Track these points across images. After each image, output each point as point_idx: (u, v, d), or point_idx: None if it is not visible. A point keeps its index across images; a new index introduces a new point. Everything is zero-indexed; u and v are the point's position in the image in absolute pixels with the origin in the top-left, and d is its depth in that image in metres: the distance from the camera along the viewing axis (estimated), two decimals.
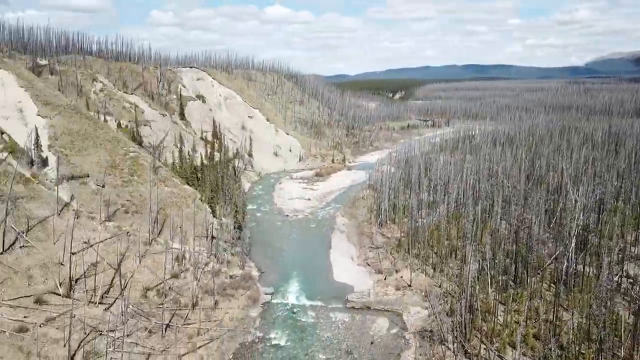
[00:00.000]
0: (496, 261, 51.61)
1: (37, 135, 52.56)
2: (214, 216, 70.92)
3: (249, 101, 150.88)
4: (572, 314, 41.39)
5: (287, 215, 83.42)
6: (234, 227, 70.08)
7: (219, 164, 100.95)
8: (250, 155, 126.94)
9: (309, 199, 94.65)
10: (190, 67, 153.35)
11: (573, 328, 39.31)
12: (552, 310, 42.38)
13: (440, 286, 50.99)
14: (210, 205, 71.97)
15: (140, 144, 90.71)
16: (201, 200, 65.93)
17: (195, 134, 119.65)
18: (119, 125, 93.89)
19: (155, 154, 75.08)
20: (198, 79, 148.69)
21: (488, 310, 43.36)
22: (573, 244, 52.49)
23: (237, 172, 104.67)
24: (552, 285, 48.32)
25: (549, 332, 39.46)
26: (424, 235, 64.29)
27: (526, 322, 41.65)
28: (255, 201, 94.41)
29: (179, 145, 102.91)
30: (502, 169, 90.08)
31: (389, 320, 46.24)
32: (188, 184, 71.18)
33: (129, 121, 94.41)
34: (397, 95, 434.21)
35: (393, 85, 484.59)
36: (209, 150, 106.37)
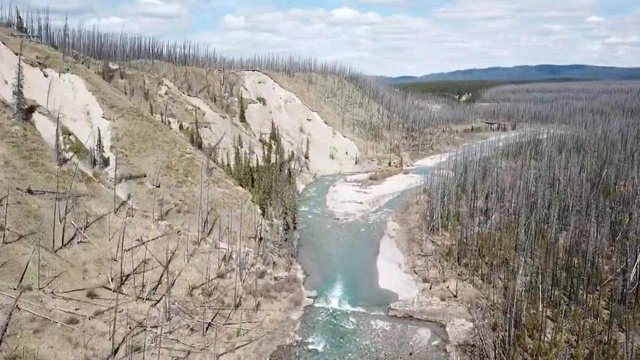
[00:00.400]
0: (550, 274, 48.86)
1: (100, 137, 55.93)
2: (264, 217, 72.35)
3: (308, 104, 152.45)
4: (630, 336, 38.34)
5: (338, 218, 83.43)
6: (284, 229, 71.18)
7: (275, 166, 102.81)
8: (306, 157, 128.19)
9: (361, 203, 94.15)
10: (253, 70, 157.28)
11: (630, 351, 36.44)
12: (608, 330, 39.50)
13: (487, 298, 48.99)
14: (262, 207, 73.39)
15: (199, 145, 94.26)
16: (252, 201, 67.43)
17: (254, 135, 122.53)
18: (180, 127, 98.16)
19: (210, 155, 77.62)
20: (260, 82, 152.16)
21: (536, 327, 41.11)
22: (638, 260, 48.67)
23: (291, 174, 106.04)
24: (611, 303, 45.03)
25: (602, 355, 36.82)
26: (475, 243, 62.11)
27: (577, 341, 39.09)
28: (307, 203, 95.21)
29: (237, 146, 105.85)
30: (566, 176, 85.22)
31: (430, 332, 45.01)
32: (241, 185, 73.00)
33: (191, 123, 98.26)
34: (464, 97, 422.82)
35: (460, 87, 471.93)
36: (265, 152, 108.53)
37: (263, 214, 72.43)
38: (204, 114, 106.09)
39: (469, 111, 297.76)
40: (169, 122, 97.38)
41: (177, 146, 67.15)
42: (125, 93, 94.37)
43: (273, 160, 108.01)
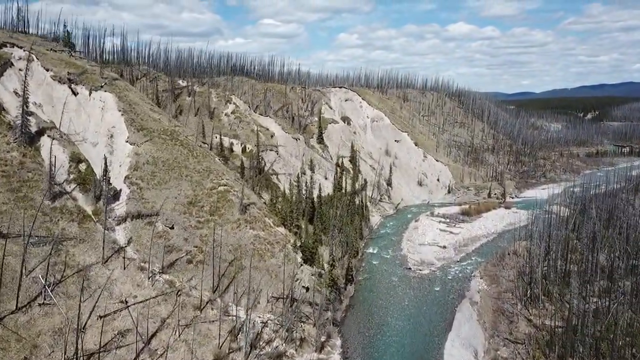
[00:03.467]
0: None
1: (106, 166, 47.09)
2: (313, 265, 59.35)
3: (398, 123, 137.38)
4: None
5: (410, 268, 67.66)
6: (337, 282, 57.54)
7: (345, 195, 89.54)
8: (389, 183, 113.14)
9: (445, 247, 77.09)
10: (340, 87, 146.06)
11: None
12: None
13: None
14: (312, 252, 60.48)
15: (260, 171, 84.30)
16: (295, 246, 54.76)
17: (331, 159, 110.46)
18: (243, 150, 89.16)
19: (256, 186, 66.72)
20: (346, 100, 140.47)
21: None
22: None
23: (366, 206, 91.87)
24: None
25: None
26: (593, 329, 43.40)
27: None
28: (378, 243, 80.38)
29: (303, 172, 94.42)
30: None
31: None
32: (285, 224, 60.71)
33: (255, 145, 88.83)
34: (589, 115, 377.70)
35: (585, 104, 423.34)
36: (337, 178, 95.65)
37: (311, 262, 59.51)
38: (272, 135, 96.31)
39: (594, 131, 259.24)
40: (232, 145, 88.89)
41: (211, 176, 56.86)
42: (194, 112, 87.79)
43: (348, 188, 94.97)
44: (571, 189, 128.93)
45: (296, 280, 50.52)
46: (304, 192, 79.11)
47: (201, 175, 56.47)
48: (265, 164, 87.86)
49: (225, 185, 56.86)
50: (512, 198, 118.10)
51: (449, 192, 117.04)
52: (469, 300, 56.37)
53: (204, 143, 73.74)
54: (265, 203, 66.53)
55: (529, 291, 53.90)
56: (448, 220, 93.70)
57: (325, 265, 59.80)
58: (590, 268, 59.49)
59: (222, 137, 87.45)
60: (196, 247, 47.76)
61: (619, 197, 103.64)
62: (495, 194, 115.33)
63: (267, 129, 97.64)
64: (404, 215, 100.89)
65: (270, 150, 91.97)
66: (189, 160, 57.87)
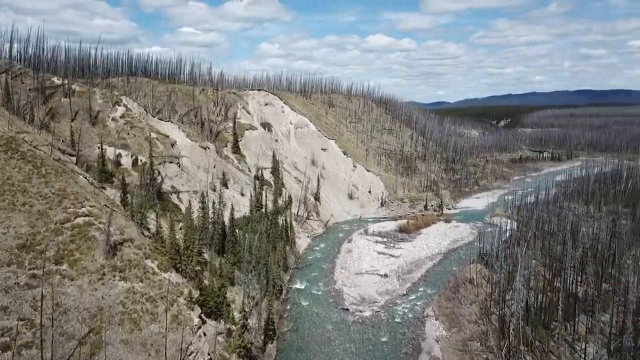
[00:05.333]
0: None
1: None
2: (222, 320, 43.41)
3: (324, 130, 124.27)
4: None
5: (348, 309, 53.54)
6: (252, 342, 41.96)
7: (265, 216, 74.19)
8: (317, 198, 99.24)
9: (386, 275, 63.89)
10: (259, 90, 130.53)
11: None
12: None
13: None
14: (217, 301, 44.51)
15: (159, 192, 66.76)
16: (189, 300, 38.54)
17: (250, 171, 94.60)
18: (134, 162, 71.05)
19: (139, 213, 49.50)
20: (266, 104, 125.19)
21: None
22: None
23: (289, 227, 77.01)
24: None
25: None
26: None
27: None
28: (307, 274, 65.74)
29: (218, 187, 77.99)
30: None
31: None
32: (179, 265, 44.17)
33: (150, 157, 71.08)
34: (502, 123, 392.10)
35: (498, 112, 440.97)
36: (254, 194, 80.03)
37: (218, 315, 43.56)
38: (173, 144, 78.86)
39: (512, 138, 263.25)
40: (119, 157, 70.47)
41: (65, 203, 39.26)
42: (71, 117, 68.42)
43: (270, 205, 79.62)
44: (507, 197, 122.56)
45: (190, 355, 34.37)
46: (211, 214, 62.77)
47: (48, 203, 38.66)
48: (162, 180, 70.43)
49: (87, 216, 39.46)
50: (449, 209, 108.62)
51: (382, 205, 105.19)
52: (428, 355, 42.99)
53: (72, 155, 55.39)
54: (154, 234, 49.53)
55: (507, 340, 41.43)
56: (385, 239, 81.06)
57: (237, 316, 44.08)
58: (566, 300, 48.64)
59: (106, 147, 68.79)
60: (24, 320, 30.17)
61: (558, 204, 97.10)
62: (432, 205, 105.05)
63: (167, 137, 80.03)
64: (335, 235, 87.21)
65: (171, 162, 74.56)
66: (32, 180, 39.83)
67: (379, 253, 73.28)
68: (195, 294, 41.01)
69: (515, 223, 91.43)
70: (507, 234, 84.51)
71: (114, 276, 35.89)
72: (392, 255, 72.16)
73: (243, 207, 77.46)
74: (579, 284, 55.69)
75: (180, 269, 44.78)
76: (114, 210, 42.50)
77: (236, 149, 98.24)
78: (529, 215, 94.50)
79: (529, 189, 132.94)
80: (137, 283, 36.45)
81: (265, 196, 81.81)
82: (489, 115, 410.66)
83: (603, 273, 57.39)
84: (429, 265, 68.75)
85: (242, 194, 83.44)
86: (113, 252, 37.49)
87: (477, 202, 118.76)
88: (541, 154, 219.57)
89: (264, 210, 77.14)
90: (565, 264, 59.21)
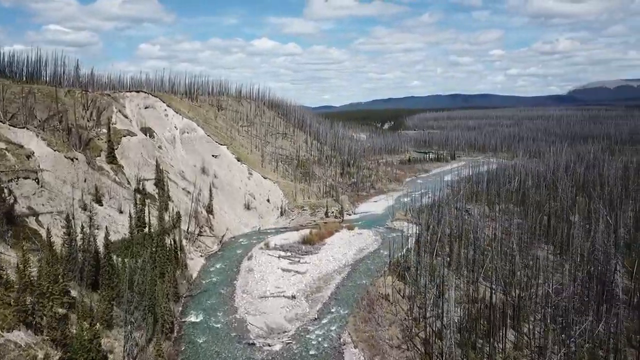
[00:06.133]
0: None
1: None
2: None
3: (214, 135, 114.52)
4: None
5: (254, 344, 45.71)
6: None
7: (150, 237, 63.54)
8: (209, 211, 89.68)
9: (294, 297, 57.03)
10: (138, 92, 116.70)
11: None
12: None
13: None
14: (89, 353, 34.35)
15: (9, 216, 53.13)
16: None
17: (130, 183, 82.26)
18: None
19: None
20: (147, 107, 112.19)
21: None
22: None
23: (179, 247, 67.09)
24: None
25: None
26: None
27: None
28: (203, 302, 56.60)
29: (90, 205, 65.44)
30: None
31: None
32: (28, 321, 33.36)
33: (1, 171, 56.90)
34: (386, 125, 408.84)
35: (380, 115, 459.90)
36: (137, 212, 68.75)
37: None
38: (29, 156, 64.73)
39: (398, 140, 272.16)
40: None
41: None
42: None
43: (155, 222, 68.73)
44: (404, 200, 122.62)
45: None
46: (80, 239, 51.22)
47: None
48: (15, 201, 56.74)
49: None
50: (350, 215, 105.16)
51: (282, 214, 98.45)
52: None
53: None
54: None
55: None
56: (289, 253, 74.31)
57: None
58: (489, 312, 45.65)
59: None
60: None
61: (454, 205, 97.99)
62: (332, 212, 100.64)
63: (22, 147, 65.64)
64: (233, 251, 78.60)
65: (26, 177, 60.73)
66: None
67: (283, 270, 66.26)
68: (55, 355, 30.74)
69: (418, 227, 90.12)
70: (412, 239, 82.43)
71: None
72: (297, 272, 65.54)
73: (122, 227, 65.88)
74: (493, 291, 53.63)
75: (33, 322, 33.86)
76: None
77: (112, 159, 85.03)
78: (429, 217, 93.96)
79: (422, 190, 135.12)
80: None
81: (149, 212, 70.77)
82: (373, 119, 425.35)
83: (514, 279, 56.19)
84: (338, 280, 63.21)
85: (121, 211, 71.43)
86: None
87: (375, 206, 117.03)
88: (427, 155, 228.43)
89: (147, 229, 66.27)
90: (477, 273, 57.17)
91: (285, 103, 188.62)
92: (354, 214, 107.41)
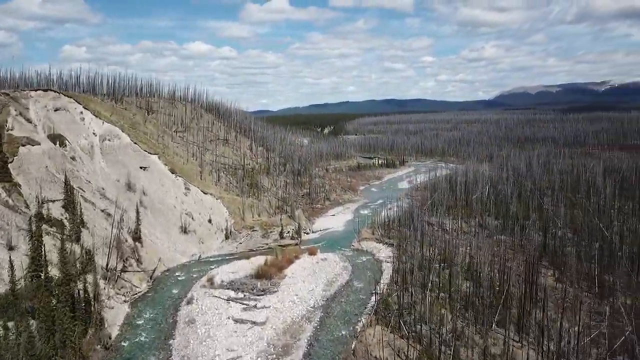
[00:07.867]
0: None
1: None
2: None
3: (143, 142, 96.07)
4: None
5: None
6: None
7: (52, 286, 45.66)
8: (137, 238, 71.76)
9: None
10: (45, 91, 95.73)
11: None
12: None
13: None
14: None
15: None
16: None
17: (28, 207, 62.97)
18: None
19: None
20: (57, 109, 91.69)
21: None
22: None
23: (94, 297, 49.44)
24: None
25: None
26: None
27: None
28: None
29: None
30: None
31: None
32: None
33: None
34: (326, 130, 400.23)
35: (320, 120, 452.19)
36: (33, 249, 50.30)
37: None
38: None
39: (341, 145, 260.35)
40: None
41: None
42: None
43: (57, 260, 50.58)
44: (364, 212, 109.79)
45: None
46: None
47: None
48: None
49: None
50: (308, 234, 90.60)
51: (227, 237, 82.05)
52: None
53: None
54: None
55: None
56: (240, 293, 58.35)
57: None
58: None
59: None
60: None
61: (423, 219, 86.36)
62: (288, 232, 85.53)
63: None
64: (168, 291, 61.51)
65: None
66: None
67: (235, 321, 50.36)
68: None
69: (389, 249, 77.36)
70: (387, 264, 69.42)
71: None
72: (255, 323, 49.90)
73: (7, 275, 47.39)
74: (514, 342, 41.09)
75: None
76: None
77: (4, 175, 65.25)
78: (399, 235, 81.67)
79: (380, 200, 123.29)
80: None
81: (51, 247, 52.53)
82: (312, 123, 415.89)
83: (522, 322, 44.12)
84: (309, 332, 48.26)
85: (12, 248, 52.63)
86: None
87: (334, 220, 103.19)
88: (376, 160, 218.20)
89: (44, 274, 48.19)
90: (490, 317, 44.55)
91: (225, 106, 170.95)
92: (312, 232, 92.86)
